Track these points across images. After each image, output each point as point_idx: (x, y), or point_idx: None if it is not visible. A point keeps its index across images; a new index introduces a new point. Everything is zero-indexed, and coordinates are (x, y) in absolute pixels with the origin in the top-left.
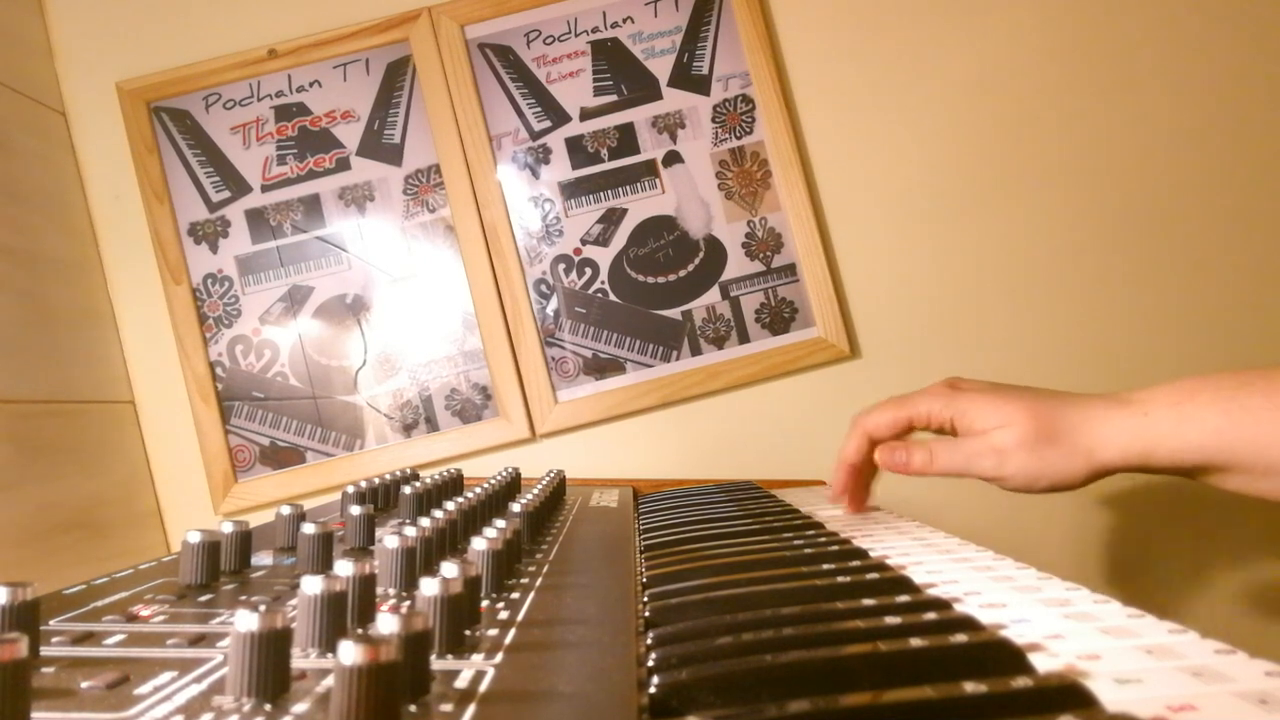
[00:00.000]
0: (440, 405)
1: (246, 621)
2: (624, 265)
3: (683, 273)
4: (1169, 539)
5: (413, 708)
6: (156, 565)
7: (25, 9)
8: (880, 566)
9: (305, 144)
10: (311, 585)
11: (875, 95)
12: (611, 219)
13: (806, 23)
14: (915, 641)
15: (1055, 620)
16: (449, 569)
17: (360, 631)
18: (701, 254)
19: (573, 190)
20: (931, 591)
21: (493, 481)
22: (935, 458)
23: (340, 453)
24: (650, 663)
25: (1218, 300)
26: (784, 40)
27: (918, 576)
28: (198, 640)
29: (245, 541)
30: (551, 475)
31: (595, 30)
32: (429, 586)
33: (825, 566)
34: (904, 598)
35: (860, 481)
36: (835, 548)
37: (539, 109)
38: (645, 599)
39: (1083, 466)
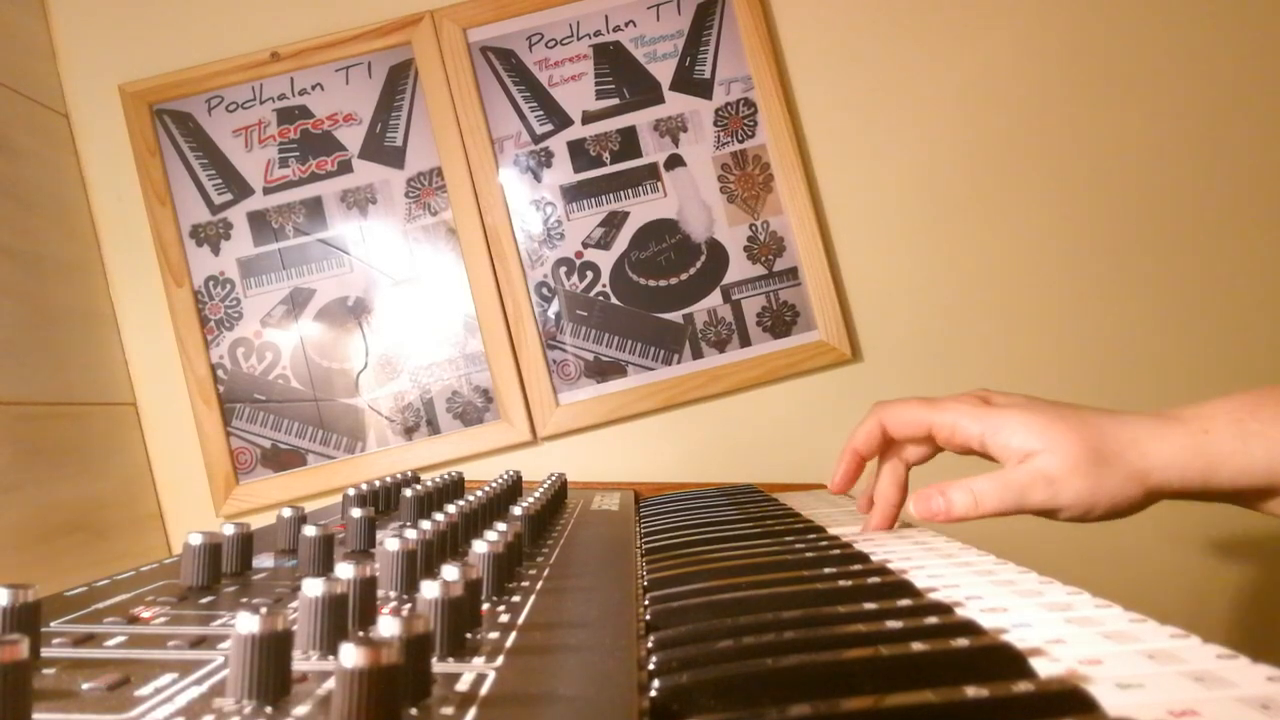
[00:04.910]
0: (441, 408)
1: (248, 623)
2: (625, 268)
3: (684, 276)
4: (1168, 539)
5: (414, 710)
6: (158, 567)
7: (28, 11)
8: (882, 571)
9: (307, 147)
10: (313, 588)
11: (877, 99)
12: (613, 222)
13: (808, 27)
14: (917, 646)
15: (1057, 625)
16: (450, 572)
17: (361, 634)
18: (703, 257)
19: (574, 193)
20: (933, 596)
21: (494, 485)
22: (981, 499)
23: (341, 455)
24: (651, 666)
25: (1225, 304)
26: (786, 44)
27: (919, 581)
28: (199, 642)
29: (246, 544)
30: (553, 478)
31: (597, 34)
32: (430, 589)
33: (827, 570)
34: (905, 602)
35: (889, 504)
36: (837, 552)
37: (541, 112)
38: (646, 602)
39: (1138, 489)
